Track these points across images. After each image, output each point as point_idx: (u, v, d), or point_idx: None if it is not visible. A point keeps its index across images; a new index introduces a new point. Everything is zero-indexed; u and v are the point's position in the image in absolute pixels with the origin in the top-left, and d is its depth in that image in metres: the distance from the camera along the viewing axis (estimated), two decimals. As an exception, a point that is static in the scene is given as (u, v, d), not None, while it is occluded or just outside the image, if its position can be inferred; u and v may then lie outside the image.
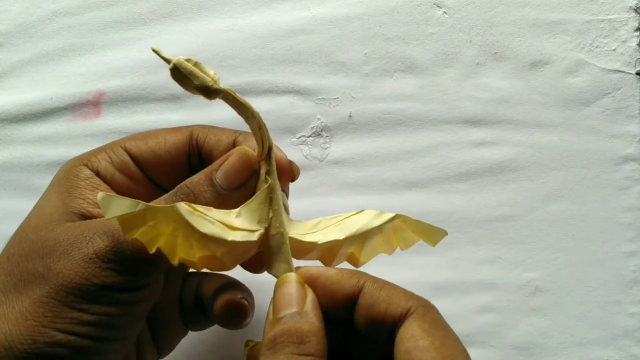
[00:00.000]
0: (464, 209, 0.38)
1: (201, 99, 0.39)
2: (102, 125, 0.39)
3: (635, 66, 0.39)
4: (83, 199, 0.25)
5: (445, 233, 0.28)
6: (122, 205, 0.21)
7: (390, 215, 0.28)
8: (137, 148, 0.27)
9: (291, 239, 0.26)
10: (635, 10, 0.40)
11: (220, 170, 0.25)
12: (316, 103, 0.39)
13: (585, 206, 0.38)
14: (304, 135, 0.39)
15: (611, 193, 0.38)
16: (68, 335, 0.22)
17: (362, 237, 0.27)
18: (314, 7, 0.40)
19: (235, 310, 0.27)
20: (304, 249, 0.26)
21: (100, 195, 0.21)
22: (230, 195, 0.25)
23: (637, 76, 0.39)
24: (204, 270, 0.25)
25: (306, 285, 0.24)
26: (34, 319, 0.22)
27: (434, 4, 0.40)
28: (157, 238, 0.22)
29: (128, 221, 0.22)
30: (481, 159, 0.39)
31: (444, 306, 0.37)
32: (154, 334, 0.28)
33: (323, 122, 0.39)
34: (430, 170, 0.38)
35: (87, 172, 0.26)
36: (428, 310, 0.24)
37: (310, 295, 0.24)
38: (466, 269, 0.37)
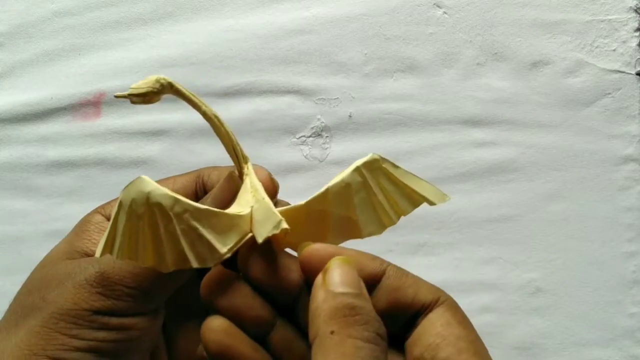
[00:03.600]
0: (464, 209, 0.38)
1: (201, 99, 0.39)
2: (102, 125, 0.39)
3: (635, 66, 0.39)
4: (89, 240, 0.26)
5: (447, 198, 0.26)
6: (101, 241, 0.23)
7: (366, 157, 0.24)
8: None
9: (280, 211, 0.24)
10: (635, 11, 0.40)
11: (208, 196, 0.26)
12: (316, 103, 0.39)
13: (585, 206, 0.38)
14: (304, 136, 0.39)
15: (611, 193, 0.38)
16: None
17: (346, 190, 0.24)
18: (314, 7, 0.40)
19: None
20: (293, 218, 0.24)
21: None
22: None
23: (637, 76, 0.39)
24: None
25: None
26: (27, 348, 0.23)
27: (434, 4, 0.40)
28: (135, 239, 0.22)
29: (107, 247, 0.23)
30: (481, 159, 0.39)
31: (444, 306, 0.37)
32: None
33: (323, 122, 0.39)
34: (430, 171, 0.38)
35: (98, 217, 0.27)
36: (456, 304, 0.24)
37: (361, 282, 0.22)
38: (466, 269, 0.37)
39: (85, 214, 0.28)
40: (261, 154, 0.39)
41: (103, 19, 0.40)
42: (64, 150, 0.39)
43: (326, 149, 0.39)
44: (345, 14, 0.40)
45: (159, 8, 0.40)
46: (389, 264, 0.24)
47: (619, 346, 0.37)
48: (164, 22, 0.40)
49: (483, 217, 0.38)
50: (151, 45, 0.40)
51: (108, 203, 0.28)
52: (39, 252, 0.26)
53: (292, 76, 0.39)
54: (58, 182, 0.38)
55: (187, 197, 0.26)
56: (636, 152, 0.39)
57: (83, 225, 0.27)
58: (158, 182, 0.27)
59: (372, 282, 0.23)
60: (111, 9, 0.40)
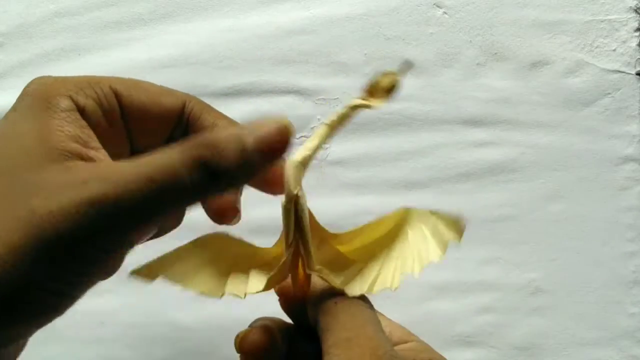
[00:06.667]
0: (464, 209, 0.38)
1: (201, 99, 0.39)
2: (102, 126, 0.39)
3: (635, 66, 0.39)
4: (62, 131, 0.22)
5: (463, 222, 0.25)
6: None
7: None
8: (129, 98, 0.24)
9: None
10: (635, 11, 0.40)
11: (250, 134, 0.21)
12: (316, 103, 0.39)
13: (585, 206, 0.38)
14: (304, 136, 0.39)
15: (611, 193, 0.38)
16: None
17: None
18: (314, 7, 0.40)
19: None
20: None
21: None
22: (255, 165, 0.21)
23: (637, 76, 0.39)
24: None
25: None
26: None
27: (434, 4, 0.40)
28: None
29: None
30: (481, 159, 0.39)
31: (444, 306, 0.37)
32: None
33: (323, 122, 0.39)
34: (430, 171, 0.38)
35: (67, 103, 0.22)
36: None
37: None
38: (466, 269, 0.37)
39: None
40: (261, 154, 0.38)
41: (103, 19, 0.40)
42: (64, 151, 0.39)
43: (326, 149, 0.39)
44: (345, 14, 0.40)
45: (159, 8, 0.40)
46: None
47: (619, 346, 0.37)
48: (164, 22, 0.40)
49: (483, 217, 0.38)
50: (151, 45, 0.40)
51: (76, 84, 0.23)
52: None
53: (292, 76, 0.39)
54: (58, 182, 0.38)
55: (166, 125, 0.25)
56: (636, 152, 0.39)
57: (48, 110, 0.22)
58: (137, 84, 0.25)
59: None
60: (111, 9, 0.40)
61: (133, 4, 0.40)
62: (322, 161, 0.39)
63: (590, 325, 0.37)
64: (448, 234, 0.24)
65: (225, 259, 0.25)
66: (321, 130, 0.24)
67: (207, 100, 0.39)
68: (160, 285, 0.38)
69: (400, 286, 0.24)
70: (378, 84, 0.23)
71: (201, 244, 0.24)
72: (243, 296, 0.24)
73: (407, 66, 0.23)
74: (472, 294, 0.37)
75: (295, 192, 0.23)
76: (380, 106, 0.23)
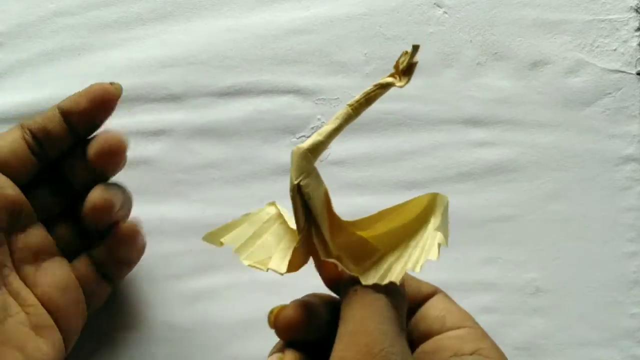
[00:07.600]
0: (464, 209, 0.38)
1: (201, 99, 0.39)
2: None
3: (636, 66, 0.39)
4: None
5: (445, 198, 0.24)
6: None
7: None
8: None
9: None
10: (636, 10, 0.40)
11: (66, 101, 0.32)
12: (316, 103, 0.39)
13: (585, 206, 0.38)
14: (304, 136, 0.39)
15: (612, 193, 0.38)
16: None
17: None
18: (314, 7, 0.40)
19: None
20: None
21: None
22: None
23: (638, 76, 0.39)
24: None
25: None
26: None
27: (434, 3, 0.40)
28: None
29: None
30: (481, 159, 0.39)
31: (444, 306, 0.37)
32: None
33: (323, 122, 0.39)
34: (430, 171, 0.38)
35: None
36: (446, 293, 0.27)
37: None
38: (466, 270, 0.37)
39: None
40: (261, 154, 0.39)
41: (102, 18, 0.40)
42: (64, 150, 0.39)
43: (326, 149, 0.39)
44: (345, 14, 0.40)
45: (158, 8, 0.40)
46: None
47: (619, 347, 0.37)
48: (163, 22, 0.40)
49: (483, 217, 0.38)
50: (150, 45, 0.40)
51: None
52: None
53: (292, 76, 0.39)
54: (58, 182, 0.38)
55: (21, 158, 0.30)
56: (637, 152, 0.39)
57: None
58: None
59: None
60: (110, 9, 0.40)
61: (132, 4, 0.40)
62: (322, 161, 0.39)
63: (591, 326, 0.37)
64: (439, 237, 0.24)
65: (278, 232, 0.25)
66: (342, 112, 0.24)
67: (207, 100, 0.39)
68: (161, 286, 0.38)
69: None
70: (397, 65, 0.23)
71: (263, 213, 0.25)
72: (282, 273, 0.24)
73: (415, 48, 0.23)
74: (472, 294, 0.37)
75: (295, 182, 0.23)
76: (403, 85, 0.23)
